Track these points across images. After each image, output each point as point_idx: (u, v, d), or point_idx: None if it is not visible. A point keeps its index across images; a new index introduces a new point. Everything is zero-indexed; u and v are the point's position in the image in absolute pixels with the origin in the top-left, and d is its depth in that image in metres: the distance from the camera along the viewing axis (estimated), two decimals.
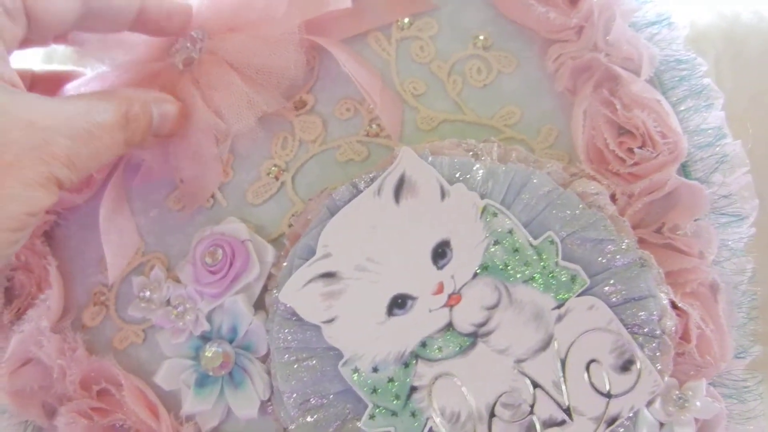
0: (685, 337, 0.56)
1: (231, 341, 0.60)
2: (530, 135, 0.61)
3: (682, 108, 0.60)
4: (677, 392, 0.56)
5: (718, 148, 0.59)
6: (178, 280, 0.62)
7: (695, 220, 0.57)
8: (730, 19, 0.73)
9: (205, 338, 0.61)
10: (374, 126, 0.62)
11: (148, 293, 0.62)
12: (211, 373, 0.60)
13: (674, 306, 0.56)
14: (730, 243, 0.59)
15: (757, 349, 0.59)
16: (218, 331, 0.60)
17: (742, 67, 0.72)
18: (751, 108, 0.73)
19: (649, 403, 0.55)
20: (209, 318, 0.60)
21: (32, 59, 0.74)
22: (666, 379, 0.55)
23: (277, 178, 0.62)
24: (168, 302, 0.62)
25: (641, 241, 0.57)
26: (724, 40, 0.72)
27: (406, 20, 0.63)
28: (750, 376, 0.58)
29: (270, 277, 0.60)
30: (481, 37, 0.62)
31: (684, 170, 0.59)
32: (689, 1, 0.79)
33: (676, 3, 0.63)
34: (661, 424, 0.56)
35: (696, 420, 0.56)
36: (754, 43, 0.73)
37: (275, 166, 0.63)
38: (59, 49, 0.68)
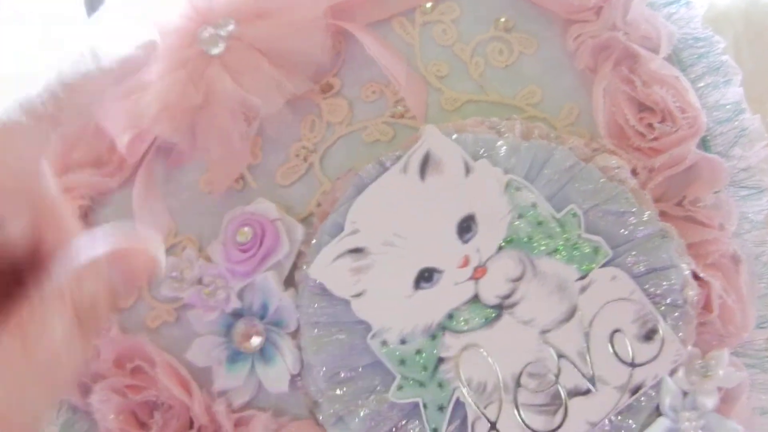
0: (707, 307, 0.57)
1: (262, 318, 0.61)
2: (552, 113, 0.62)
3: (701, 84, 0.61)
4: (700, 361, 0.56)
5: (737, 123, 0.60)
6: (209, 260, 0.63)
7: (715, 193, 0.58)
8: (750, 1, 0.74)
9: (237, 315, 0.62)
10: (400, 107, 0.63)
11: (179, 273, 0.63)
12: (242, 350, 0.61)
13: (696, 277, 0.57)
14: (750, 215, 0.60)
15: None
16: (249, 308, 0.62)
17: (762, 49, 0.73)
18: None
19: (672, 372, 0.56)
20: (240, 295, 0.62)
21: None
22: (689, 348, 0.56)
23: (305, 160, 0.64)
24: (200, 281, 0.63)
25: (662, 214, 0.58)
26: (744, 21, 0.73)
27: (429, 5, 0.65)
28: None
29: (299, 254, 0.61)
30: (503, 20, 0.64)
31: (704, 145, 0.60)
32: None
33: None
34: (685, 393, 0.56)
35: (719, 389, 0.57)
36: None
37: (304, 147, 0.64)
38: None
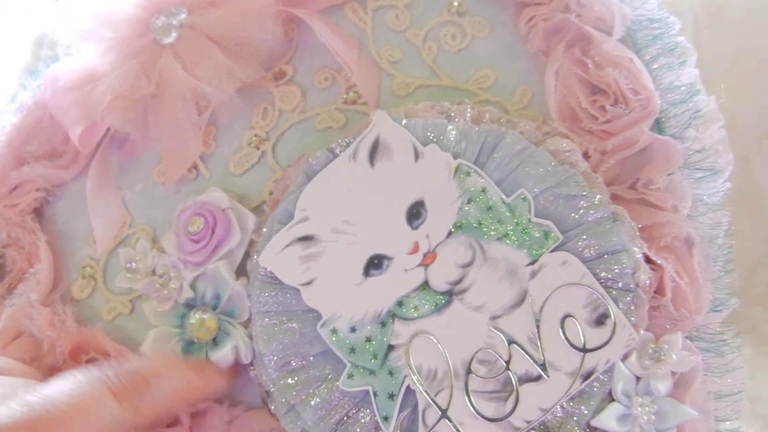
0: (660, 290, 0.57)
1: (214, 308, 0.61)
2: (505, 97, 0.62)
3: (656, 66, 0.61)
4: (653, 346, 0.56)
5: (691, 105, 0.59)
6: (163, 251, 0.63)
7: (669, 175, 0.58)
8: None
9: (190, 306, 0.62)
10: (351, 93, 0.63)
11: (134, 264, 0.63)
12: (196, 340, 0.61)
13: (648, 260, 0.57)
14: (705, 198, 0.59)
15: (734, 302, 0.59)
16: (202, 298, 0.61)
17: (721, 30, 0.72)
18: (730, 72, 0.73)
19: (625, 357, 0.55)
20: (193, 286, 0.61)
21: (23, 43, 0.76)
22: (641, 332, 0.55)
23: (257, 148, 0.64)
24: (153, 272, 0.63)
25: (615, 197, 0.58)
26: (703, 2, 0.72)
27: None
28: (727, 329, 0.58)
29: (251, 243, 0.61)
30: (456, 4, 0.63)
31: (658, 127, 0.59)
32: None
33: None
34: (638, 378, 0.56)
35: (672, 373, 0.56)
36: (733, 7, 0.74)
37: (256, 136, 0.64)
38: (48, 33, 0.69)
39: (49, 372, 0.64)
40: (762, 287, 0.81)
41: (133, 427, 0.52)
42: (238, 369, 0.60)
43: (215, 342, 0.61)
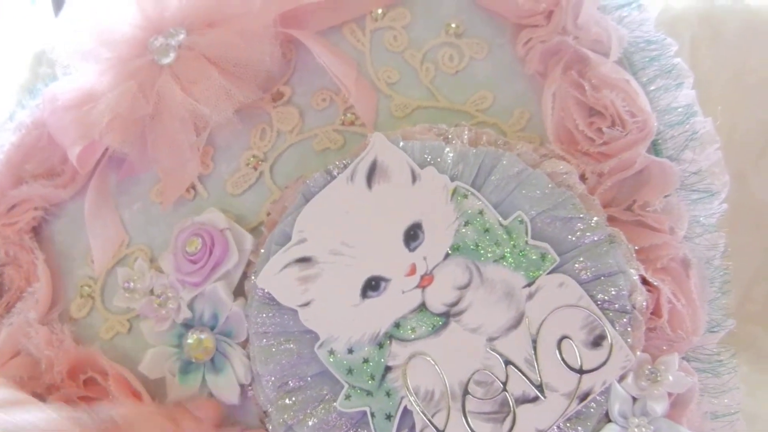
0: (656, 312, 0.57)
1: (212, 328, 0.61)
2: (502, 119, 0.62)
3: (653, 88, 0.61)
4: (650, 367, 0.56)
5: (688, 126, 0.60)
6: (161, 271, 0.63)
7: (665, 197, 0.58)
8: (706, 1, 0.74)
9: (188, 326, 0.62)
10: (349, 115, 0.63)
11: (132, 284, 0.64)
12: (193, 360, 0.61)
13: (645, 282, 0.57)
14: (701, 219, 0.59)
15: (731, 323, 0.59)
16: (200, 319, 0.61)
17: (720, 49, 0.73)
18: (729, 89, 0.74)
19: (621, 378, 0.56)
20: (191, 306, 0.62)
21: (21, 60, 0.76)
22: (638, 353, 0.56)
23: (255, 168, 0.64)
24: (151, 292, 0.63)
25: (612, 219, 0.58)
26: (701, 22, 0.73)
27: (380, 11, 0.65)
28: (724, 349, 0.58)
29: (249, 264, 0.61)
30: (453, 25, 0.64)
31: (655, 149, 0.60)
32: None
33: None
34: (634, 399, 0.56)
35: (669, 394, 0.56)
36: (731, 25, 0.74)
37: (254, 156, 0.64)
38: (51, 49, 0.69)
39: (48, 391, 0.64)
40: (759, 304, 0.81)
41: None
42: (219, 418, 0.60)
43: (213, 362, 0.61)
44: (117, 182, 0.67)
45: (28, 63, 0.81)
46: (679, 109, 0.60)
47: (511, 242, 0.56)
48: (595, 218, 0.56)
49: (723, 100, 0.70)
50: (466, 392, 0.56)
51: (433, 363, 0.56)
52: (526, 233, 0.56)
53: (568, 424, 0.55)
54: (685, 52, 0.72)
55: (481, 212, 0.57)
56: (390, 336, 0.57)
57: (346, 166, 0.58)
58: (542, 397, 0.55)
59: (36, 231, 0.68)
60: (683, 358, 0.57)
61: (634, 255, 0.57)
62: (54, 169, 0.68)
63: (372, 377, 0.57)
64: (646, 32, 0.62)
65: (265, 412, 0.59)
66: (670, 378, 0.56)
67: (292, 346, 0.58)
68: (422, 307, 0.56)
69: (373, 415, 0.56)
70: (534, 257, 0.56)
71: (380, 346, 0.57)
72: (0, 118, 0.73)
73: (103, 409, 0.55)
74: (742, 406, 0.59)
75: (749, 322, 0.79)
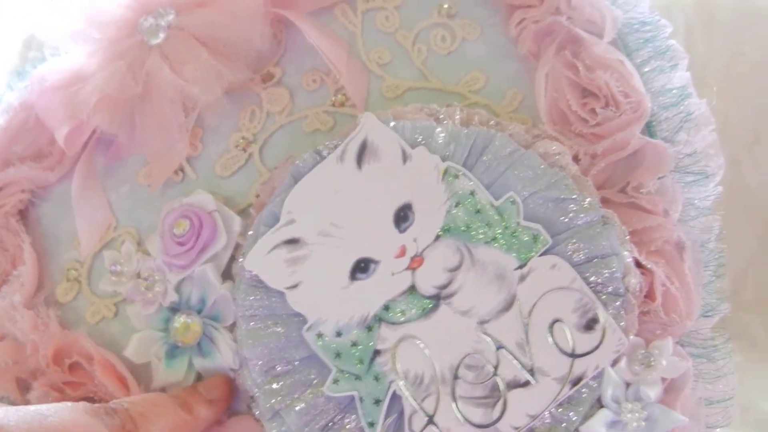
0: (650, 295, 0.56)
1: (199, 311, 0.60)
2: (495, 100, 0.61)
3: (647, 69, 0.60)
4: (643, 351, 0.55)
5: (682, 108, 0.59)
6: (148, 254, 0.62)
7: (659, 179, 0.57)
8: None
9: (175, 309, 0.61)
10: (340, 96, 0.62)
11: (118, 267, 0.63)
12: (180, 344, 0.60)
13: (639, 265, 0.56)
14: (696, 201, 0.58)
15: (725, 307, 0.58)
16: (187, 302, 0.61)
17: (714, 33, 0.72)
18: (723, 75, 0.73)
19: (615, 363, 0.55)
20: (178, 289, 0.61)
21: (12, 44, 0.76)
22: (631, 337, 0.55)
23: (245, 150, 0.63)
24: (138, 275, 0.62)
25: (606, 201, 0.57)
26: (695, 6, 0.72)
27: None
28: (718, 334, 0.57)
29: (237, 246, 0.60)
30: (446, 6, 0.63)
31: (649, 130, 0.59)
32: None
33: None
34: (627, 384, 0.55)
35: (663, 379, 0.55)
36: (725, 10, 0.73)
37: (243, 138, 0.63)
38: (40, 31, 0.68)
39: (33, 376, 0.63)
40: (753, 292, 0.81)
41: None
42: (230, 394, 0.60)
43: (200, 346, 0.60)
44: (105, 165, 0.66)
45: (17, 49, 0.81)
46: (674, 91, 0.59)
47: (503, 223, 0.55)
48: (588, 199, 0.55)
49: (717, 85, 0.69)
50: (456, 376, 0.55)
51: (423, 346, 0.55)
52: (518, 214, 0.55)
53: (560, 410, 0.54)
54: (680, 36, 0.72)
55: (472, 193, 0.56)
56: (379, 319, 0.56)
57: (336, 146, 0.58)
58: (534, 382, 0.54)
59: (22, 214, 0.68)
60: (677, 342, 0.56)
61: (627, 237, 0.56)
62: (41, 152, 0.67)
63: (361, 361, 0.56)
64: (641, 13, 0.61)
65: (251, 397, 0.58)
66: (664, 363, 0.55)
67: (279, 329, 0.57)
68: (412, 289, 0.56)
69: (361, 399, 0.55)
70: (526, 238, 0.55)
71: (369, 329, 0.56)
72: None
73: (117, 403, 0.54)
74: (736, 397, 0.59)
75: (743, 311, 0.79)
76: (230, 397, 0.60)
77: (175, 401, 0.57)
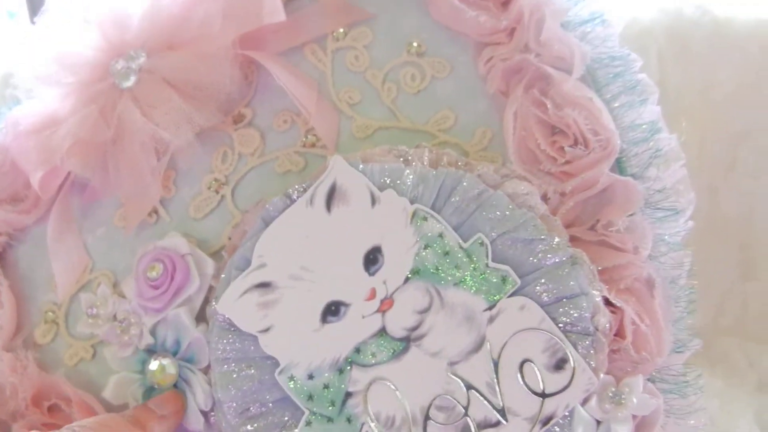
0: (620, 333, 0.56)
1: (175, 353, 0.60)
2: (464, 138, 0.61)
3: (617, 104, 0.60)
4: (613, 389, 0.55)
5: (652, 143, 0.59)
6: (123, 296, 0.63)
7: (629, 216, 0.57)
8: (673, 15, 0.73)
9: (151, 351, 0.61)
10: (311, 136, 0.63)
11: (95, 310, 0.63)
12: (156, 387, 0.60)
13: (608, 303, 0.56)
14: (666, 237, 0.58)
15: (697, 343, 0.58)
16: (162, 344, 0.61)
17: (688, 62, 0.72)
18: (697, 102, 0.73)
19: (585, 401, 0.55)
20: (154, 332, 0.61)
21: None
22: (601, 376, 0.55)
23: (217, 192, 0.63)
24: (114, 317, 0.63)
25: (575, 239, 0.57)
26: (667, 35, 0.72)
27: (341, 30, 0.64)
28: (689, 370, 0.57)
29: (211, 289, 0.61)
30: (415, 44, 0.63)
31: (619, 166, 0.59)
32: None
33: (617, 0, 0.63)
34: (598, 423, 0.55)
35: (633, 417, 0.55)
36: (698, 38, 0.73)
37: (215, 180, 0.63)
38: (15, 72, 0.69)
39: (12, 418, 0.64)
40: (731, 317, 0.81)
41: None
42: (181, 408, 0.60)
43: (175, 388, 0.60)
44: (81, 207, 0.66)
45: None
46: (644, 126, 0.60)
47: (472, 265, 0.56)
48: (557, 239, 0.56)
49: (692, 113, 0.70)
50: (427, 417, 0.55)
51: (393, 388, 0.55)
52: (487, 256, 0.56)
53: None
54: (653, 66, 0.72)
55: (440, 235, 0.56)
56: (350, 361, 0.56)
57: (305, 190, 0.58)
58: (504, 422, 0.54)
59: (0, 256, 0.68)
60: (648, 379, 0.56)
61: (597, 276, 0.56)
62: (18, 194, 0.68)
63: (333, 403, 0.56)
64: (610, 48, 0.61)
65: None
66: (635, 400, 0.55)
67: (253, 371, 0.57)
68: (382, 331, 0.56)
69: None
70: (495, 280, 0.55)
71: (341, 371, 0.56)
72: None
73: (68, 428, 0.54)
74: (716, 422, 0.59)
75: (722, 336, 0.79)
76: (182, 411, 0.60)
77: (128, 420, 0.57)
